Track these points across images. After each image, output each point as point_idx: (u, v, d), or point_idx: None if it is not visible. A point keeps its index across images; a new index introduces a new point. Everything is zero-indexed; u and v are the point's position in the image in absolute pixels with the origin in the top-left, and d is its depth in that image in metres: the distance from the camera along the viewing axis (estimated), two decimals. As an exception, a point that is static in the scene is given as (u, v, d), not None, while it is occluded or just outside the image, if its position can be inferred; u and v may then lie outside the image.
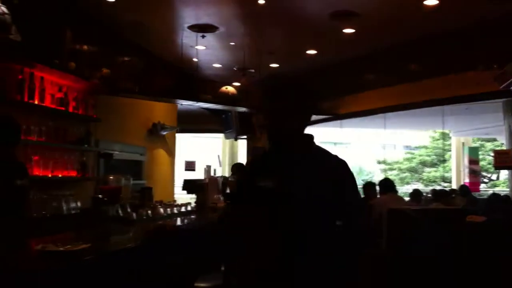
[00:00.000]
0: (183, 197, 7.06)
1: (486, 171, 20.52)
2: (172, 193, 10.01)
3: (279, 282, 2.22)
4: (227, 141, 14.32)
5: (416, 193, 8.50)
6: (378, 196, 7.50)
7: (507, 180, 15.05)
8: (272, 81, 3.59)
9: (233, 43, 8.61)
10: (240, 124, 11.47)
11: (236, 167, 7.89)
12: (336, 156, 2.43)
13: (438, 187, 16.21)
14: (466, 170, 16.05)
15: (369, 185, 7.97)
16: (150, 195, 5.17)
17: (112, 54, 7.56)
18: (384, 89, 9.60)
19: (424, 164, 22.25)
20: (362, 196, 7.44)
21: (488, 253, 4.98)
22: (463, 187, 10.70)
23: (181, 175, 10.55)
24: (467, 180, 15.52)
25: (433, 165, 22.02)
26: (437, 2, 6.52)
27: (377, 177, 19.41)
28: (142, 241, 3.27)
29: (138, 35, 7.99)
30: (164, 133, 9.70)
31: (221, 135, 13.89)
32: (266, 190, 2.25)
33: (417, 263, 5.38)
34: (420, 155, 22.62)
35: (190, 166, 11.51)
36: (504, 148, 11.73)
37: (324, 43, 8.51)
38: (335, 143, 22.47)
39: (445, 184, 19.17)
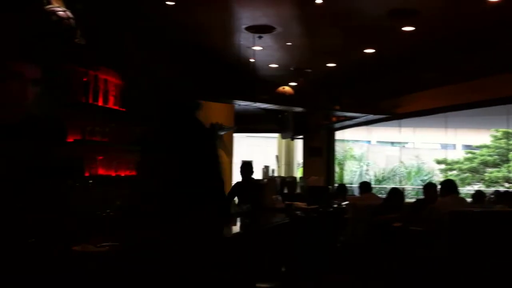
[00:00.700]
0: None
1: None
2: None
3: None
4: (283, 141, 14.32)
5: (479, 195, 8.23)
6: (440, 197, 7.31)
7: None
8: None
9: (289, 43, 8.60)
10: (297, 124, 11.45)
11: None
12: None
13: (500, 188, 15.66)
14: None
15: (429, 186, 7.79)
16: (210, 194, 5.24)
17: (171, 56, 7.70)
18: (445, 87, 9.35)
19: (485, 164, 21.51)
20: (422, 197, 7.29)
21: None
22: (528, 189, 10.30)
23: (238, 175, 10.62)
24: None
25: (495, 165, 21.26)
26: (500, -4, 6.31)
27: (436, 178, 18.94)
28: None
29: (197, 37, 8.11)
30: (222, 133, 9.80)
31: (277, 135, 13.91)
32: None
33: (480, 267, 5.23)
34: (481, 155, 21.88)
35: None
36: None
37: (382, 41, 8.37)
38: (392, 143, 22.11)
39: (508, 185, 18.50)
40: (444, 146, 21.75)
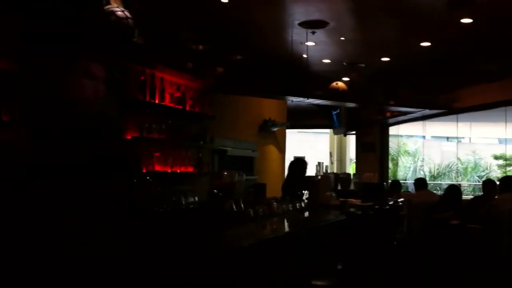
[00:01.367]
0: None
1: None
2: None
3: None
4: (335, 136, 14.22)
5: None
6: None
7: None
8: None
9: (343, 38, 8.50)
10: (350, 119, 11.34)
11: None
12: None
13: None
14: None
15: (489, 183, 7.56)
16: (264, 191, 5.27)
17: (226, 53, 7.78)
18: (505, 80, 9.04)
19: (547, 159, 20.69)
20: (480, 194, 7.10)
21: None
22: None
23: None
24: None
25: (558, 160, 20.42)
26: None
27: (494, 174, 18.35)
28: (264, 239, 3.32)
29: (249, 34, 8.13)
30: (275, 129, 9.82)
31: (329, 131, 13.82)
32: None
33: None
34: (543, 150, 21.06)
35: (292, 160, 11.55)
36: None
37: (439, 34, 8.16)
38: (447, 138, 21.56)
39: None
40: (503, 141, 21.03)
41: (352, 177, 7.14)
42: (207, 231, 3.75)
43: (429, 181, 15.63)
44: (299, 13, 7.41)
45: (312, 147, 16.87)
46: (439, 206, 6.85)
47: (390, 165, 15.17)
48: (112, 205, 3.65)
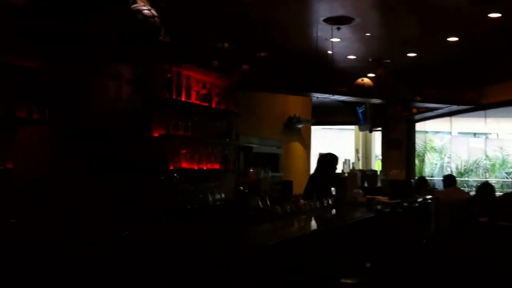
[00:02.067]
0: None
1: None
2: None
3: None
4: (360, 133, 14.14)
5: None
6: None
7: None
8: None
9: (368, 34, 8.44)
10: (375, 116, 11.26)
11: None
12: None
13: None
14: None
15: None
16: (291, 188, 5.28)
17: (251, 51, 7.80)
18: (535, 75, 8.89)
19: None
20: (510, 191, 6.99)
21: None
22: None
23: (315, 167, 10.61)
24: None
25: None
26: None
27: (522, 170, 18.06)
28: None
29: (274, 31, 8.12)
30: (300, 126, 9.81)
31: (354, 127, 13.75)
32: None
33: None
34: None
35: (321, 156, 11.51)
36: None
37: (466, 29, 8.04)
38: (474, 134, 21.27)
39: None
40: (531, 137, 20.67)
41: (378, 174, 7.10)
42: (234, 229, 3.76)
43: (456, 177, 15.43)
44: (324, 10, 7.38)
45: (336, 144, 16.80)
46: (470, 203, 6.75)
47: (416, 161, 15.03)
48: (142, 203, 3.69)
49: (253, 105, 8.21)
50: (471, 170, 18.28)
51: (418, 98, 9.85)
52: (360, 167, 12.04)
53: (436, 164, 18.36)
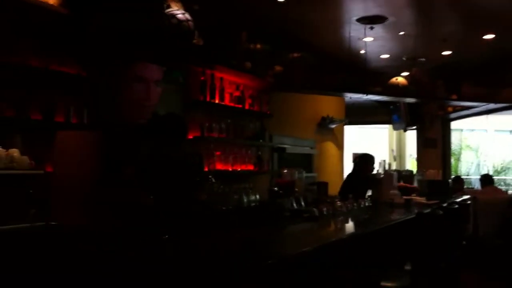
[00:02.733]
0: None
1: None
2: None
3: None
4: (394, 132, 13.97)
5: None
6: None
7: None
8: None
9: (402, 33, 8.35)
10: (410, 115, 11.11)
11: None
12: None
13: None
14: None
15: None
16: (326, 189, 5.24)
17: (284, 52, 7.79)
18: None
19: None
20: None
21: None
22: None
23: (349, 167, 10.55)
24: None
25: None
26: None
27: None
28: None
29: (306, 32, 8.11)
30: (333, 126, 9.75)
31: (388, 126, 13.59)
32: None
33: None
34: None
35: (357, 157, 11.41)
36: None
37: (503, 26, 7.88)
38: (510, 131, 20.80)
39: None
40: None
41: (415, 174, 7.00)
42: (270, 231, 3.75)
43: (493, 176, 15.13)
44: (357, 9, 7.33)
45: (370, 143, 16.63)
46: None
47: (452, 160, 14.78)
48: (180, 205, 3.71)
49: (286, 106, 8.20)
50: (508, 168, 17.88)
51: (455, 97, 9.69)
52: (394, 167, 11.88)
53: (472, 163, 18.01)
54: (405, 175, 6.12)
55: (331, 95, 9.14)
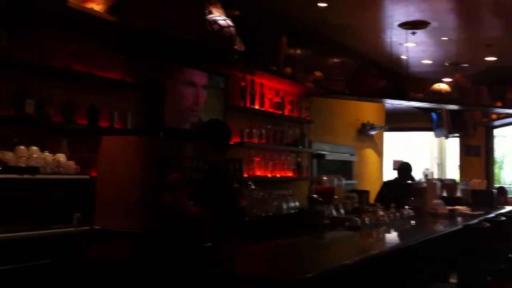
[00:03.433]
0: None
1: None
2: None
3: None
4: (436, 139, 13.71)
5: None
6: None
7: None
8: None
9: (445, 38, 8.20)
10: (452, 121, 10.89)
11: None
12: None
13: None
14: None
15: None
16: (367, 198, 5.18)
17: (324, 57, 7.74)
18: None
19: None
20: None
21: None
22: None
23: (388, 175, 10.42)
24: None
25: None
26: None
27: None
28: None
29: (347, 37, 8.04)
30: (373, 132, 9.64)
31: (429, 133, 13.35)
32: None
33: None
34: None
35: (397, 165, 11.23)
36: None
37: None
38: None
39: None
40: None
41: (458, 183, 6.84)
42: (310, 239, 3.71)
43: (538, 186, 14.65)
44: (399, 14, 7.24)
45: (411, 150, 16.35)
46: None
47: (495, 169, 14.40)
48: (222, 211, 3.72)
49: (326, 112, 8.15)
50: (554, 178, 17.32)
51: (499, 104, 9.44)
52: (436, 176, 11.66)
53: (515, 172, 17.50)
54: (448, 184, 5.99)
55: (371, 101, 9.04)
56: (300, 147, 7.15)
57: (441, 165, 14.24)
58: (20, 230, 3.17)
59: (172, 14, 4.37)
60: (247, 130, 6.16)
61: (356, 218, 4.08)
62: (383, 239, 3.95)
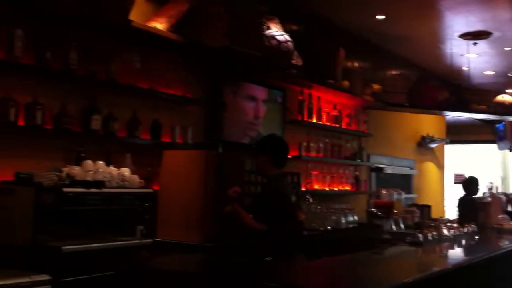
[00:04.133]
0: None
1: None
2: (442, 209, 9.67)
3: None
4: (499, 152, 13.25)
5: None
6: None
7: None
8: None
9: (508, 48, 7.97)
10: (516, 134, 10.53)
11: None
12: None
13: None
14: None
15: None
16: (429, 213, 5.07)
17: (382, 69, 7.68)
18: None
19: None
20: None
21: None
22: None
23: (451, 189, 10.18)
24: None
25: None
26: None
27: None
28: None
29: (405, 48, 7.95)
30: (433, 145, 9.44)
31: (492, 146, 12.92)
32: None
33: None
34: None
35: (459, 179, 10.92)
36: None
37: None
38: None
39: None
40: None
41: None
42: (369, 256, 3.66)
43: None
44: (459, 25, 7.10)
45: (473, 163, 15.86)
46: None
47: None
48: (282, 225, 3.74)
49: (385, 125, 8.05)
50: None
51: None
52: (500, 190, 11.25)
53: None
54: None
55: (432, 113, 8.87)
56: (358, 160, 7.09)
57: (505, 179, 13.73)
58: (86, 242, 3.29)
59: (236, 31, 4.47)
60: (305, 143, 6.17)
61: (418, 234, 3.99)
62: (446, 255, 3.85)
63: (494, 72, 9.20)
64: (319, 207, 5.61)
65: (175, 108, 4.62)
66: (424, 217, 4.90)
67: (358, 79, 6.82)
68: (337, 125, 6.69)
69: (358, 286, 2.59)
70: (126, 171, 3.69)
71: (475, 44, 7.53)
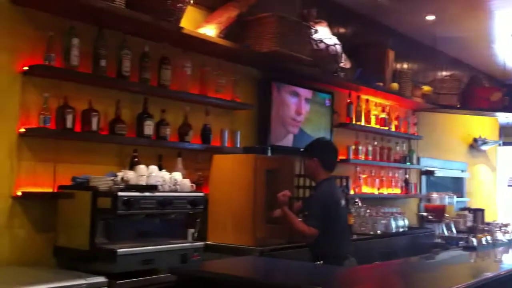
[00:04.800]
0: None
1: None
2: (495, 213, 9.39)
3: None
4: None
5: None
6: None
7: None
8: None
9: None
10: None
11: None
12: None
13: None
14: None
15: None
16: (483, 217, 4.96)
17: (432, 71, 7.56)
18: None
19: None
20: None
21: None
22: None
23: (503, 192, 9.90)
24: None
25: None
26: None
27: None
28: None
29: (456, 49, 7.80)
30: (486, 148, 9.20)
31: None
32: None
33: None
34: None
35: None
36: None
37: None
38: None
39: None
40: None
41: None
42: (421, 260, 3.61)
43: None
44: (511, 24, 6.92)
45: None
46: None
47: None
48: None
49: (435, 127, 7.90)
50: None
51: None
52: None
53: None
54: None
55: (485, 115, 8.65)
56: (408, 163, 6.99)
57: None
58: (139, 245, 3.37)
59: (285, 35, 4.50)
60: (353, 147, 6.13)
61: (472, 238, 3.91)
62: (501, 260, 3.75)
63: (550, 72, 8.91)
64: (369, 211, 5.57)
65: (224, 112, 4.68)
66: (477, 221, 4.78)
67: (408, 81, 6.72)
68: (386, 128, 6.61)
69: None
70: (177, 175, 3.76)
71: (530, 43, 7.32)
